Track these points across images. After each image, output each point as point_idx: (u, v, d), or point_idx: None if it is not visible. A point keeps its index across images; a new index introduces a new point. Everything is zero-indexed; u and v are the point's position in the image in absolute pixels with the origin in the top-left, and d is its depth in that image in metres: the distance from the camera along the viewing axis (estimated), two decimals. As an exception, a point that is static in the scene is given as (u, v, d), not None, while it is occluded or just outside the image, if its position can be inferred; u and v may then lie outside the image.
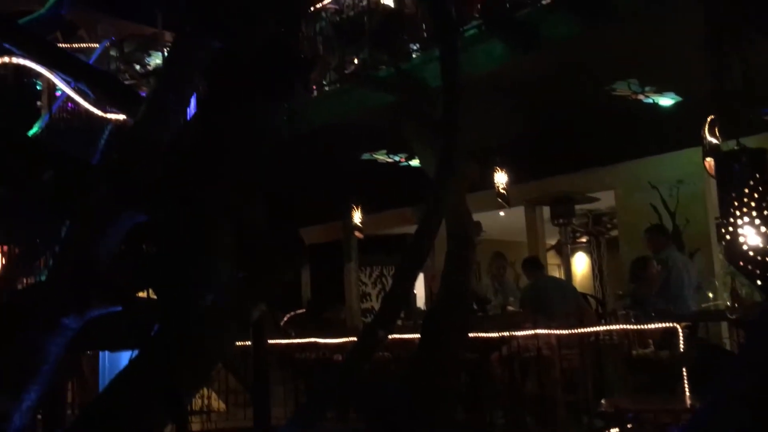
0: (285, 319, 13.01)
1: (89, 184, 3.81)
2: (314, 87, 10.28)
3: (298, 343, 9.62)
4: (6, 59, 7.90)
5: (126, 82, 13.83)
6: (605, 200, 11.72)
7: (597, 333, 7.71)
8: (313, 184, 11.96)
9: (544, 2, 8.41)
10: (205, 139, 3.95)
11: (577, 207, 11.60)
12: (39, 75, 9.90)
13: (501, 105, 9.16)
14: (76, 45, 12.86)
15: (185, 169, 3.92)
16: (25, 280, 8.74)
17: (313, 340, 9.42)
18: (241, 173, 4.16)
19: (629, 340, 7.58)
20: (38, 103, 12.61)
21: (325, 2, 10.46)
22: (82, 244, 3.78)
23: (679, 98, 9.07)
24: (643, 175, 10.60)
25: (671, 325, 7.12)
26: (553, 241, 13.73)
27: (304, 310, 13.99)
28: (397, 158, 11.80)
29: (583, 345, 7.72)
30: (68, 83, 8.91)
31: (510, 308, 9.20)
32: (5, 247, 9.83)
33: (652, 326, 7.28)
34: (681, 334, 7.03)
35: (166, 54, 15.12)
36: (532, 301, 8.80)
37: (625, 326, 7.53)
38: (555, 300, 8.63)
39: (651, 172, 10.55)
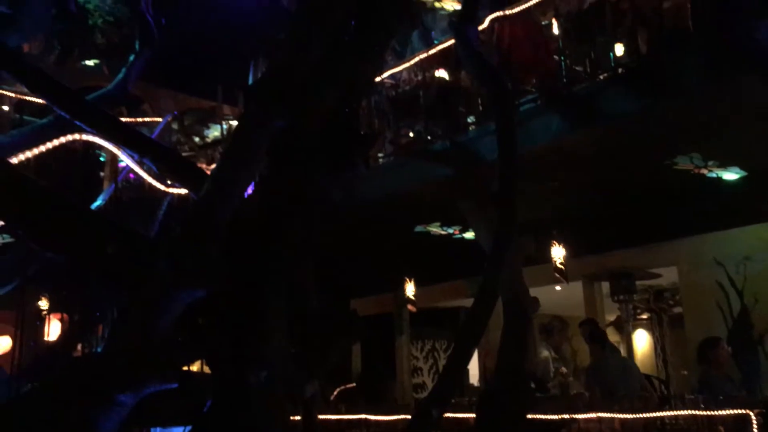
0: (335, 393, 12.78)
1: (150, 260, 3.82)
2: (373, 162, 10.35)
3: (349, 420, 9.39)
4: (76, 136, 8.18)
5: (185, 154, 14.27)
6: (667, 276, 11.33)
7: (663, 418, 7.31)
8: (366, 255, 11.92)
9: (600, 77, 8.41)
10: (265, 215, 3.95)
11: (638, 283, 11.24)
12: (104, 147, 10.22)
13: (558, 178, 9.06)
14: (140, 119, 13.32)
15: (244, 244, 3.91)
16: (82, 349, 8.83)
17: (363, 416, 9.19)
18: (298, 248, 4.12)
19: (698, 426, 7.16)
20: (101, 173, 13.04)
21: (381, 77, 10.61)
22: (140, 320, 3.76)
23: (743, 172, 8.82)
24: (707, 251, 10.23)
25: (743, 411, 6.72)
26: (612, 317, 13.29)
27: (354, 385, 13.74)
28: (450, 231, 11.72)
29: (648, 431, 7.33)
30: (133, 158, 9.16)
31: (570, 378, 8.86)
32: (64, 315, 9.99)
33: (722, 412, 6.88)
34: (755, 422, 6.62)
35: (224, 126, 15.61)
36: (596, 382, 8.45)
37: (693, 411, 7.13)
38: (620, 381, 8.27)
39: (716, 247, 10.17)
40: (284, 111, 3.49)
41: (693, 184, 9.01)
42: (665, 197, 9.24)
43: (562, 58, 8.74)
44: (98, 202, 9.36)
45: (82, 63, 16.77)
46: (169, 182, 9.30)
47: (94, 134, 6.74)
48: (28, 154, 7.10)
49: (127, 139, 4.68)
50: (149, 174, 9.34)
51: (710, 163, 8.60)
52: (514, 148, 7.51)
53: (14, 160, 6.79)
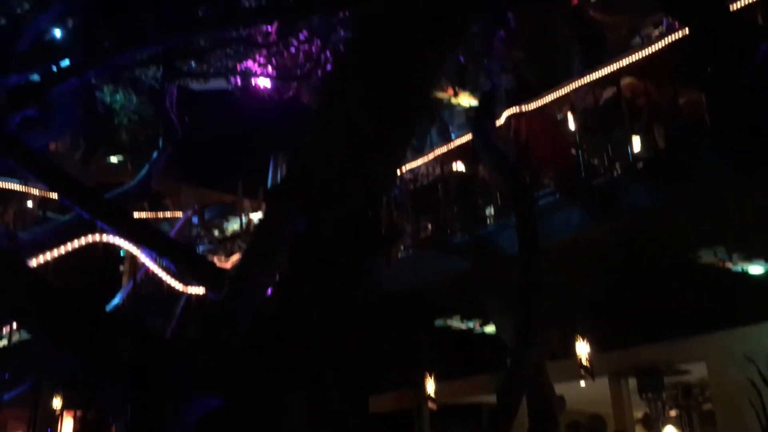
0: (354, 495, 12.27)
1: (166, 363, 3.74)
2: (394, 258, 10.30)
3: None
4: (97, 237, 8.24)
5: (204, 247, 14.33)
6: (696, 372, 10.96)
7: None
8: (386, 350, 11.70)
9: (619, 171, 8.43)
10: (286, 316, 3.87)
11: (666, 379, 10.87)
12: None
13: (581, 271, 8.92)
14: (161, 214, 13.46)
15: (264, 346, 3.82)
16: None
17: None
18: (319, 349, 4.03)
19: None
20: (121, 267, 13.10)
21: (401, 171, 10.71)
22: (154, 424, 3.65)
23: (769, 266, 8.65)
24: (736, 346, 9.90)
25: None
26: (640, 414, 12.81)
27: (373, 486, 13.20)
28: (471, 325, 11.50)
29: None
30: (152, 257, 9.19)
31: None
32: (78, 413, 9.81)
33: None
34: None
35: (244, 220, 15.75)
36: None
37: None
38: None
39: (745, 342, 9.84)
40: (305, 212, 3.48)
41: (719, 278, 8.82)
42: (691, 291, 9.03)
43: (580, 152, 8.79)
44: (116, 300, 9.34)
45: (107, 160, 17.19)
46: (187, 282, 9.27)
47: (114, 234, 6.80)
48: (48, 256, 7.13)
49: (147, 239, 4.69)
50: (168, 273, 9.34)
51: (735, 256, 8.45)
52: (536, 242, 7.46)
53: (34, 262, 6.81)
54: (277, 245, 3.50)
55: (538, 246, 7.39)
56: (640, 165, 8.15)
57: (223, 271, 4.50)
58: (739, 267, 8.71)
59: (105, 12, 5.48)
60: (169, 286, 9.51)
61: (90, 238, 8.26)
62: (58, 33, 8.72)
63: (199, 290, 8.79)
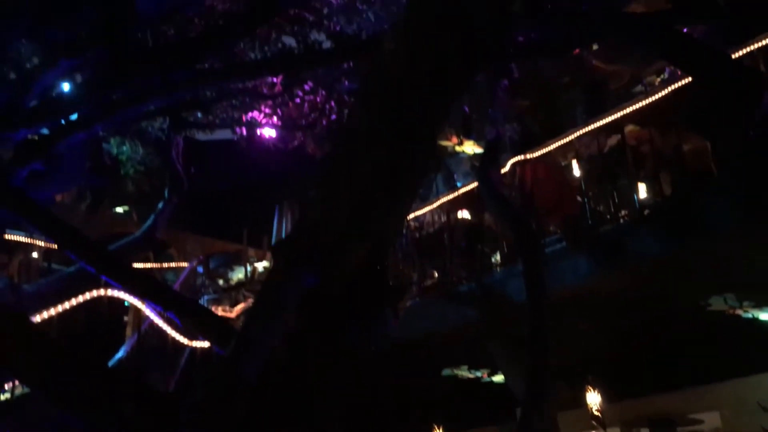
0: None
1: (170, 422, 3.66)
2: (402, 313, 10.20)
3: None
4: (102, 292, 8.20)
5: (209, 297, 14.25)
6: (710, 421, 10.75)
7: None
8: (392, 401, 11.51)
9: (626, 219, 8.39)
10: (294, 371, 3.80)
11: (679, 429, 10.66)
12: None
13: (591, 320, 8.82)
14: (165, 265, 13.42)
15: (272, 403, 3.75)
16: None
17: None
18: (328, 404, 3.95)
19: None
20: (125, 317, 13.01)
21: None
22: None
23: (781, 312, 8.54)
24: (750, 395, 9.73)
25: None
26: (653, 465, 12.53)
27: None
28: (479, 374, 11.33)
29: None
30: (157, 311, 9.12)
31: None
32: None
33: None
34: None
35: (249, 269, 15.70)
36: None
37: None
38: None
39: (759, 391, 9.68)
40: (313, 268, 3.43)
41: (730, 325, 8.71)
42: (702, 338, 8.92)
43: (585, 199, 8.78)
44: (120, 354, 9.24)
45: (112, 210, 17.23)
46: (192, 335, 9.17)
47: (119, 288, 6.77)
48: (52, 311, 7.08)
49: (152, 292, 4.64)
50: (173, 327, 9.25)
51: (745, 303, 8.35)
52: (543, 291, 7.38)
53: (37, 318, 6.76)
54: (284, 302, 3.45)
55: (545, 294, 7.31)
56: (647, 212, 8.13)
57: (228, 325, 4.44)
58: (749, 314, 8.60)
59: (113, 66, 5.55)
60: (173, 339, 9.42)
61: (95, 293, 8.22)
62: (66, 87, 8.84)
63: (204, 344, 8.70)
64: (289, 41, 11.70)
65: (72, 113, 5.48)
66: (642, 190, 8.64)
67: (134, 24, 6.07)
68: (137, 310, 10.46)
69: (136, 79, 5.69)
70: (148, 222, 10.69)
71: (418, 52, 3.26)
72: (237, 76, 6.45)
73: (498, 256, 10.03)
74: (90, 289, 9.45)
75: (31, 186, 6.55)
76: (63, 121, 6.37)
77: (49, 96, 7.54)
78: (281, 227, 14.07)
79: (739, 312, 8.56)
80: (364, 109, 3.46)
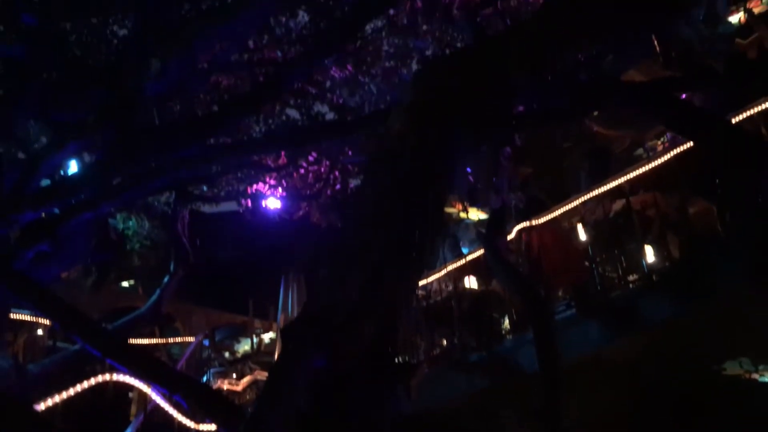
0: None
1: None
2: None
3: None
4: (107, 377, 8.09)
5: (215, 370, 14.07)
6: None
7: None
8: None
9: (634, 283, 8.33)
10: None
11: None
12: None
13: (603, 386, 8.65)
14: (171, 340, 13.29)
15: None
16: None
17: None
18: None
19: None
20: (130, 394, 12.79)
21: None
22: None
23: (798, 379, 8.38)
24: (770, 460, 9.48)
25: None
26: None
27: None
28: (492, 445, 11.05)
29: None
30: (163, 394, 8.96)
31: None
32: None
33: None
34: None
35: (255, 340, 15.54)
36: None
37: None
38: None
39: (780, 457, 9.43)
40: (323, 349, 3.39)
41: (746, 390, 8.53)
42: (718, 404, 8.72)
43: (593, 265, 8.73)
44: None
45: (118, 285, 17.19)
46: (199, 418, 8.99)
47: (124, 371, 6.69)
48: (57, 398, 6.97)
49: (157, 375, 4.58)
50: (179, 410, 9.06)
51: (761, 367, 8.20)
52: (555, 359, 7.29)
53: (42, 405, 6.65)
54: (294, 384, 3.40)
55: (558, 364, 7.21)
56: (656, 277, 8.07)
57: (236, 408, 4.36)
58: (765, 378, 8.44)
59: (120, 148, 5.63)
60: (180, 422, 9.22)
61: (100, 378, 8.11)
62: (73, 166, 8.94)
63: (211, 427, 8.52)
64: (293, 113, 11.91)
65: (79, 195, 5.52)
66: (650, 254, 8.60)
67: (141, 106, 6.19)
68: (142, 391, 10.29)
69: (144, 157, 5.76)
70: (154, 297, 10.62)
71: (424, 133, 3.31)
72: (244, 153, 6.52)
73: (507, 323, 9.93)
74: (95, 368, 9.34)
75: (36, 266, 6.54)
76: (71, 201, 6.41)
77: (56, 175, 7.62)
78: (287, 297, 14.00)
79: (755, 376, 8.40)
80: (372, 188, 3.49)
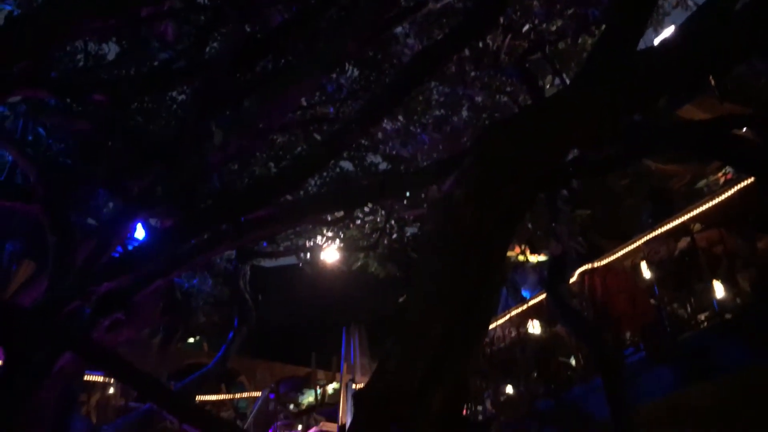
0: None
1: None
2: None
3: None
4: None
5: (281, 422, 14.11)
6: None
7: None
8: None
9: (706, 324, 8.09)
10: None
11: None
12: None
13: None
14: (237, 395, 13.41)
15: None
16: None
17: None
18: None
19: None
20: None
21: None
22: None
23: None
24: None
25: None
26: None
27: None
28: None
29: None
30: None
31: None
32: None
33: None
34: None
35: (318, 391, 15.54)
36: None
37: None
38: None
39: None
40: (395, 417, 3.40)
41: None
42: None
43: (661, 306, 8.53)
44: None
45: (184, 342, 17.49)
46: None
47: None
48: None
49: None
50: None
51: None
52: (626, 406, 7.10)
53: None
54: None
55: (629, 410, 7.02)
56: (728, 316, 7.82)
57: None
58: None
59: (186, 222, 5.83)
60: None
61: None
62: (140, 230, 9.22)
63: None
64: (346, 165, 12.10)
65: (149, 265, 5.71)
66: (719, 291, 8.36)
67: (202, 186, 6.39)
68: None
69: (207, 227, 5.95)
70: (220, 353, 10.77)
71: (485, 201, 3.35)
72: (306, 215, 6.64)
73: (573, 363, 9.74)
74: (166, 425, 9.46)
75: (109, 331, 6.74)
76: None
77: (125, 238, 7.89)
78: (350, 348, 14.01)
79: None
80: (436, 256, 3.52)
